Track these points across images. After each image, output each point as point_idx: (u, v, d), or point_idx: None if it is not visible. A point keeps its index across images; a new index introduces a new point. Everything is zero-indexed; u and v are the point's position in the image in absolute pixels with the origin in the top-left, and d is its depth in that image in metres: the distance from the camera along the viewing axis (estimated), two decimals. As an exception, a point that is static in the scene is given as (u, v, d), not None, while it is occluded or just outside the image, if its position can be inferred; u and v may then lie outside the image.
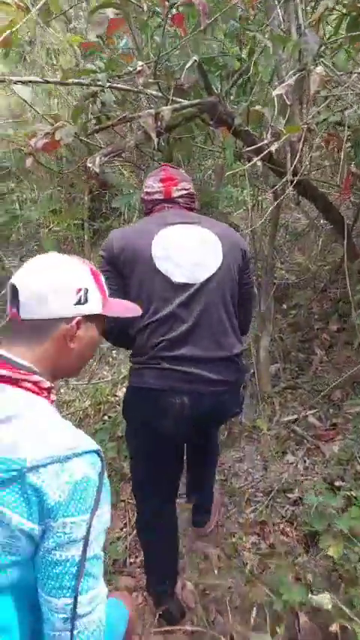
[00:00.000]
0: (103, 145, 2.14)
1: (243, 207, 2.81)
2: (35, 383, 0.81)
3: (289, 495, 1.98)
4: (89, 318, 0.90)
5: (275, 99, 1.87)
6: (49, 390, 0.84)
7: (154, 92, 2.07)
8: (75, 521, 0.71)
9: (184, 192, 1.52)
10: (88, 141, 2.06)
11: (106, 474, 0.77)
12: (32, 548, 0.71)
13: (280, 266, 3.66)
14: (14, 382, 0.79)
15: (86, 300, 0.88)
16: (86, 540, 0.71)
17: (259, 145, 1.97)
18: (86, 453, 0.75)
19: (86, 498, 0.72)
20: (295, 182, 1.95)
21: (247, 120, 2.16)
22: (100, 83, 1.91)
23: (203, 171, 2.87)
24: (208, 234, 1.42)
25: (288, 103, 1.92)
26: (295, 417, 2.44)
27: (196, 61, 1.84)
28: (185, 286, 1.34)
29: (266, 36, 2.06)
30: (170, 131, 2.09)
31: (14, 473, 0.69)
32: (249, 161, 2.49)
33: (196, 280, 1.35)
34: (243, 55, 2.30)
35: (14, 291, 0.84)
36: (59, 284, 0.85)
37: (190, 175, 1.81)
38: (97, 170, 1.89)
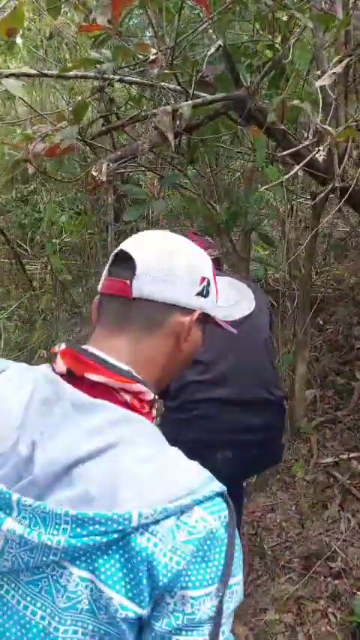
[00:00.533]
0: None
1: (275, 216, 2.49)
2: (137, 394, 0.57)
3: (331, 565, 1.66)
4: (203, 317, 0.67)
5: (318, 91, 1.56)
6: (152, 404, 0.60)
7: (170, 86, 1.78)
8: (199, 595, 0.48)
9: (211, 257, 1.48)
10: (94, 143, 1.79)
11: (235, 526, 0.52)
12: (134, 636, 0.49)
13: (315, 277, 3.32)
14: (110, 393, 0.56)
15: (207, 294, 0.66)
16: (216, 623, 0.48)
17: (297, 147, 1.66)
18: (209, 498, 0.50)
19: (213, 562, 0.49)
20: (340, 189, 1.62)
21: (282, 117, 1.84)
22: (106, 76, 1.64)
23: (230, 174, 2.56)
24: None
25: (332, 96, 1.60)
26: (335, 459, 2.11)
27: (221, 46, 1.54)
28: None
29: (306, 15, 1.74)
30: (191, 131, 1.80)
31: (115, 535, 0.46)
32: (283, 164, 2.16)
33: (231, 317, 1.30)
34: (276, 42, 1.98)
35: (125, 259, 0.61)
36: (191, 264, 0.64)
37: (216, 180, 1.54)
38: (104, 178, 1.62)
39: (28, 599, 0.48)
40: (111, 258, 0.64)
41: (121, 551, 0.46)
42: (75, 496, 0.48)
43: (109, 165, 1.65)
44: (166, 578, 0.46)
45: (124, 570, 0.46)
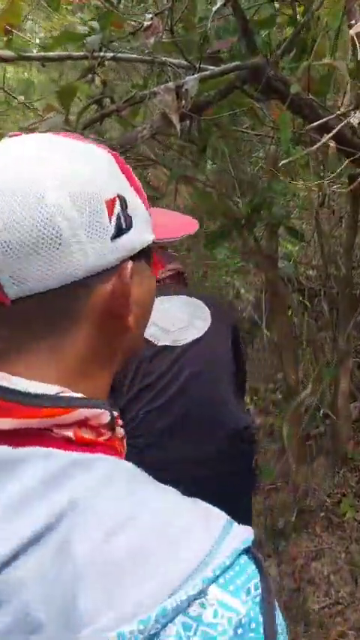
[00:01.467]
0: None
1: (305, 207, 2.18)
2: (82, 423, 0.35)
3: None
4: (142, 254, 0.40)
5: (350, 44, 1.24)
6: (111, 425, 0.37)
7: (174, 61, 1.51)
8: None
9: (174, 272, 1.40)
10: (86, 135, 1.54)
11: (270, 591, 0.32)
12: None
13: (354, 274, 2.96)
14: (40, 436, 0.34)
15: (129, 222, 0.37)
16: None
17: (328, 117, 1.35)
18: (228, 568, 0.30)
19: None
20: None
21: (309, 86, 1.53)
22: (96, 54, 1.38)
23: (253, 164, 2.26)
24: (193, 300, 1.32)
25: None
26: (392, 492, 1.77)
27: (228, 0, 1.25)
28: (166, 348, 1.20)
29: None
30: (201, 112, 1.52)
31: None
32: (313, 144, 1.85)
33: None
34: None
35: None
36: (78, 195, 0.34)
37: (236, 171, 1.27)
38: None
39: None
40: None
41: None
42: (10, 626, 0.28)
43: (102, 157, 1.40)
44: None
45: None
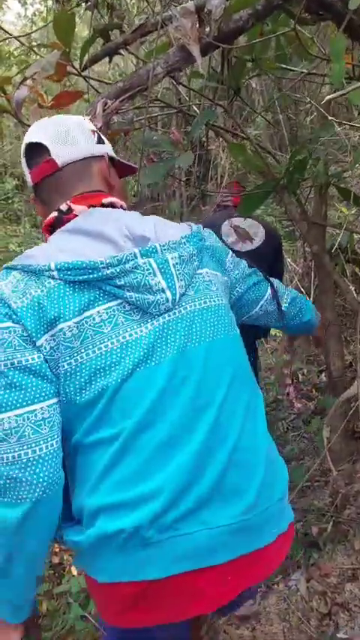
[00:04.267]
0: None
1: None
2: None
3: None
4: (112, 162, 0.92)
5: None
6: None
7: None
8: None
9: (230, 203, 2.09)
10: (90, 78, 1.27)
11: None
12: None
13: None
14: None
15: (103, 141, 0.90)
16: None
17: None
18: None
19: None
20: None
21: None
22: (100, -31, 1.10)
23: (299, 110, 1.90)
24: (254, 222, 1.97)
25: None
26: None
27: None
28: None
29: None
30: (231, 40, 1.21)
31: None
32: (375, 80, 1.48)
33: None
34: None
35: (33, 147, 0.85)
36: (77, 123, 0.88)
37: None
38: (100, 123, 1.12)
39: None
40: (23, 154, 0.87)
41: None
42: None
43: (106, 103, 1.14)
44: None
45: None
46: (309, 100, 2.07)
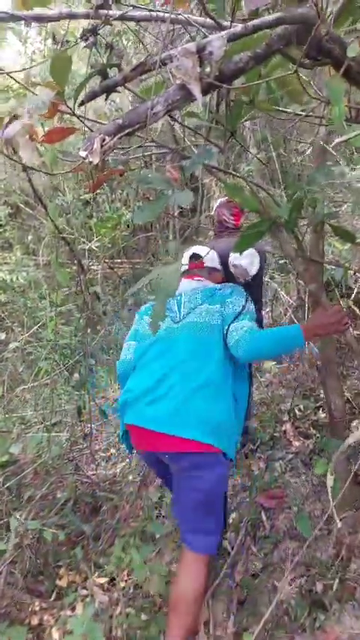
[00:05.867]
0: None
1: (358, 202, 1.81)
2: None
3: None
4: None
5: None
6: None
7: (198, 18, 1.20)
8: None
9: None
10: (84, 118, 1.25)
11: None
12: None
13: None
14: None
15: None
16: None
17: None
18: None
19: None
20: None
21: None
22: (101, 11, 1.10)
23: (296, 151, 1.91)
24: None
25: None
26: None
27: None
28: None
29: None
30: (230, 81, 1.20)
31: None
32: (373, 122, 1.48)
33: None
34: None
35: (196, 256, 1.90)
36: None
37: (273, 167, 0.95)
38: (97, 160, 1.09)
39: None
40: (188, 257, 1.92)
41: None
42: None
43: (104, 140, 1.11)
44: None
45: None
46: (304, 141, 2.09)
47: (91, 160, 1.08)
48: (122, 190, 5.88)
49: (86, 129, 1.25)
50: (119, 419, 1.67)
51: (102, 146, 1.11)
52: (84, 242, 4.70)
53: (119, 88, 1.23)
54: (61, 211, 5.20)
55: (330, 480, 1.54)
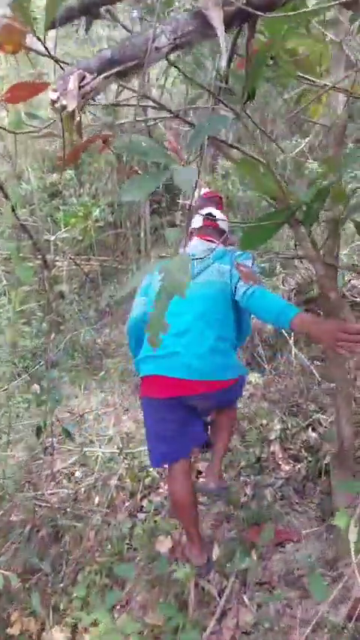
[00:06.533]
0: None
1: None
2: None
3: None
4: None
5: None
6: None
7: None
8: None
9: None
10: (59, 61, 0.91)
11: None
12: None
13: None
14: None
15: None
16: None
17: None
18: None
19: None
20: None
21: None
22: None
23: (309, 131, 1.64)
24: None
25: None
26: None
27: None
28: None
29: None
30: (254, 20, 0.89)
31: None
32: None
33: None
34: None
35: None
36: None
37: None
38: (73, 105, 0.74)
39: None
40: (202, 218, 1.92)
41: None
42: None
43: (83, 77, 0.77)
44: None
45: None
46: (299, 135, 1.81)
47: (64, 103, 0.74)
48: (91, 184, 5.46)
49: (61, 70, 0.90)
50: (137, 370, 1.90)
51: (80, 87, 0.77)
52: (49, 234, 4.28)
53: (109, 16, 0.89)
54: (24, 202, 4.76)
55: (353, 535, 1.26)
